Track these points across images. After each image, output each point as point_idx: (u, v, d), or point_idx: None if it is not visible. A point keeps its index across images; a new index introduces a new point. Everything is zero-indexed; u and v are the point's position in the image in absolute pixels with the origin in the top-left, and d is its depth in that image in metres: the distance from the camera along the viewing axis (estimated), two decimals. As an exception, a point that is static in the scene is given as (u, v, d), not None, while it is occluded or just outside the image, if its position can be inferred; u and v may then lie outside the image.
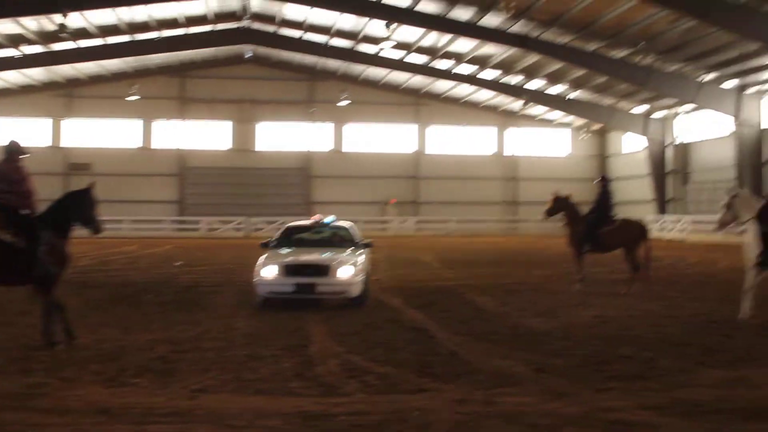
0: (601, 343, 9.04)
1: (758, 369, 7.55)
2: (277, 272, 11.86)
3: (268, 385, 6.96)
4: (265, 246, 13.47)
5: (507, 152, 50.63)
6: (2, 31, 33.85)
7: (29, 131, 44.98)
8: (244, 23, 39.15)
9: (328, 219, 14.40)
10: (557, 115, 47.76)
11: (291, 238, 13.94)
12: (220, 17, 37.91)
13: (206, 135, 47.84)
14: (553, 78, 39.72)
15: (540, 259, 24.58)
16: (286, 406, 6.19)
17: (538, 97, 43.12)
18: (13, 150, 8.94)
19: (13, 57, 37.59)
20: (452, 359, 8.12)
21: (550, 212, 15.70)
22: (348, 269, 11.92)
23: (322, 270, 11.85)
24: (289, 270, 11.90)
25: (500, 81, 41.92)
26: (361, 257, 12.72)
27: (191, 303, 12.97)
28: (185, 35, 39.20)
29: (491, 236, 43.63)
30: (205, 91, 47.11)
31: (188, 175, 47.20)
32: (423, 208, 48.77)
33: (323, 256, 12.48)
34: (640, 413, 6.00)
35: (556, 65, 36.57)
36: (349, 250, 13.00)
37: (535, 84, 41.58)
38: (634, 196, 43.63)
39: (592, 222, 14.91)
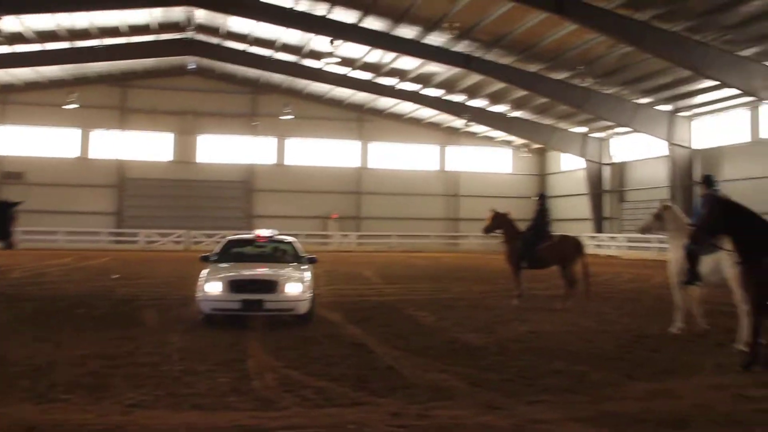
0: (535, 357, 9.23)
1: (681, 381, 7.88)
2: (222, 288, 11.41)
3: (204, 400, 6.90)
4: (206, 260, 13.01)
5: (449, 169, 51.28)
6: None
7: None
8: (188, 34, 38.69)
9: (263, 232, 13.89)
10: (499, 133, 48.56)
11: (232, 252, 13.53)
12: (164, 27, 37.37)
13: (147, 146, 46.91)
14: (495, 98, 40.50)
15: (479, 274, 24.91)
16: (222, 421, 6.17)
17: (481, 116, 43.80)
18: None
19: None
20: (389, 373, 8.20)
21: (489, 229, 15.95)
22: (296, 285, 11.59)
23: (270, 286, 11.46)
24: (235, 286, 11.41)
25: (443, 98, 42.47)
26: (308, 273, 12.43)
27: (127, 317, 12.71)
28: (127, 44, 38.50)
29: (432, 252, 44.05)
30: (147, 101, 46.30)
31: (127, 186, 46.19)
32: (365, 223, 48.88)
33: (269, 271, 12.12)
34: (569, 425, 6.20)
35: (498, 85, 37.30)
36: (293, 266, 12.72)
37: (477, 103, 42.29)
38: (572, 214, 44.79)
39: (530, 238, 15.13)
